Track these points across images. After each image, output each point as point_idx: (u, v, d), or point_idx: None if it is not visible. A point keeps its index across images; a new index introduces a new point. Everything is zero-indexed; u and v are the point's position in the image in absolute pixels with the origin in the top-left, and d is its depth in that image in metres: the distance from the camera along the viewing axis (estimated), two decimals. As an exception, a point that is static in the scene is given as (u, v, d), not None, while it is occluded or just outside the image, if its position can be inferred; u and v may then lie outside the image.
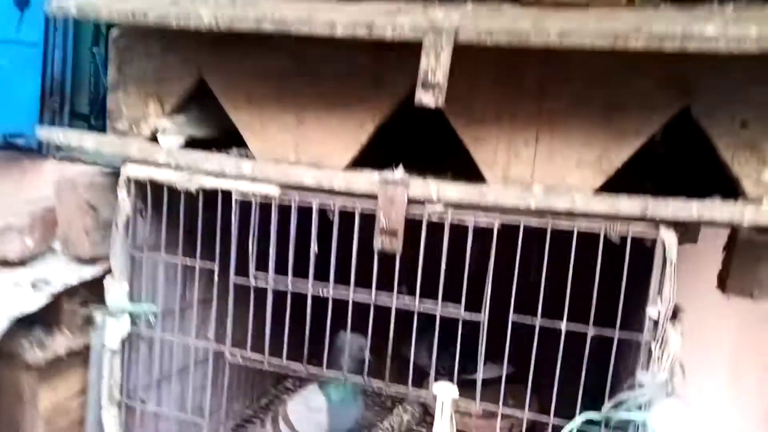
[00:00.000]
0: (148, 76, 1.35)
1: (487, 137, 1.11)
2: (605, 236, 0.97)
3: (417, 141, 1.39)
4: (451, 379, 1.95)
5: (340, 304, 1.16)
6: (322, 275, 1.16)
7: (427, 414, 1.94)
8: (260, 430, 1.60)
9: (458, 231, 1.06)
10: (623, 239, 0.97)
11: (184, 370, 1.44)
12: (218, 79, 1.27)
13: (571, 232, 0.99)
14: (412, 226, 1.08)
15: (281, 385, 2.12)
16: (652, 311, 0.96)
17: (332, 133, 1.19)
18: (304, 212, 1.17)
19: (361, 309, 1.17)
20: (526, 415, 1.07)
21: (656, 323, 0.95)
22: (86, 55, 2.20)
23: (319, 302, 1.17)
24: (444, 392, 1.08)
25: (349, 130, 1.18)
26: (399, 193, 1.05)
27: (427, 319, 1.96)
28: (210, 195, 1.21)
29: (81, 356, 1.30)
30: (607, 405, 0.97)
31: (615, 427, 0.98)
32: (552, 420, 1.04)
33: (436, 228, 1.06)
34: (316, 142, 1.21)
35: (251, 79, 1.23)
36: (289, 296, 1.16)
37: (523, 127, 1.09)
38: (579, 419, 0.99)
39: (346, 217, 1.12)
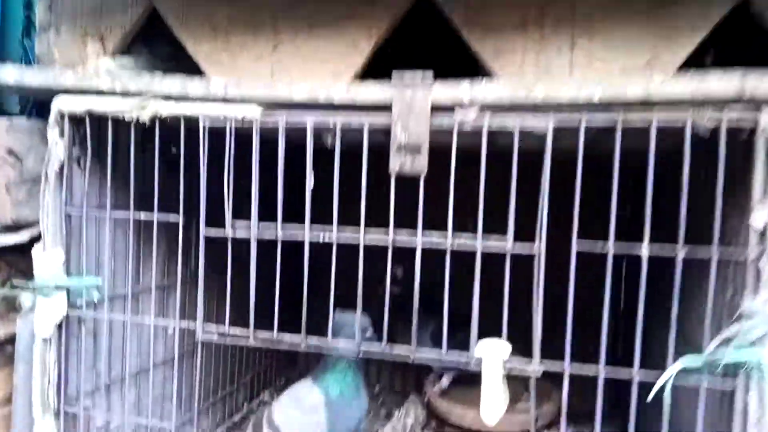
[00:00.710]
0: (86, 11, 1.09)
1: (510, 48, 0.90)
2: (689, 129, 0.76)
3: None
4: (457, 370, 1.71)
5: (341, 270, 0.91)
6: (320, 219, 0.91)
7: (432, 417, 1.67)
8: (239, 443, 1.30)
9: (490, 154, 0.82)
10: (713, 132, 0.76)
11: (141, 360, 1.15)
12: (173, 5, 1.03)
13: (642, 131, 0.78)
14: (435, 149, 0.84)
15: (257, 399, 1.81)
16: (756, 219, 0.74)
17: (320, 58, 0.96)
18: (293, 146, 0.93)
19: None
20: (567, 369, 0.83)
21: (763, 234, 0.74)
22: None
23: (318, 262, 0.92)
24: (491, 351, 0.84)
25: (341, 53, 0.95)
26: (420, 98, 0.82)
27: (427, 309, 1.73)
28: (169, 127, 0.94)
29: (3, 351, 0.98)
30: (712, 344, 0.74)
31: (721, 373, 0.75)
32: (635, 372, 0.80)
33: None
34: (299, 71, 0.97)
35: (215, 1, 0.99)
36: (279, 247, 0.90)
37: (555, 32, 0.89)
38: (675, 367, 0.76)
39: (349, 145, 0.88)
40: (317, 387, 1.21)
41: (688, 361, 0.76)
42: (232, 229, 0.91)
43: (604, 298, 0.81)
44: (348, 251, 0.91)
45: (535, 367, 0.83)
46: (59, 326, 0.99)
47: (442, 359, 0.87)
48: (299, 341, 0.91)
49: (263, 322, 0.95)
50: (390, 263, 0.88)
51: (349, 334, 1.19)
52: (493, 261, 0.90)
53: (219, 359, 1.55)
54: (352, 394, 1.20)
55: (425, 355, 0.87)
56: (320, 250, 0.92)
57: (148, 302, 1.06)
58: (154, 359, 1.26)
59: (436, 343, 1.62)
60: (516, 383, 1.78)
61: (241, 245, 0.91)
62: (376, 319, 1.23)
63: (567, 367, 0.83)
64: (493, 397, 0.81)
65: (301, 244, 0.88)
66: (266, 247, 0.92)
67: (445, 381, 1.64)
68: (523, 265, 0.87)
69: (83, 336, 1.01)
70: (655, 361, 0.81)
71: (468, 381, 1.73)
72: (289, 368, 1.98)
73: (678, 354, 0.78)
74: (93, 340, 1.05)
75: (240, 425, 1.65)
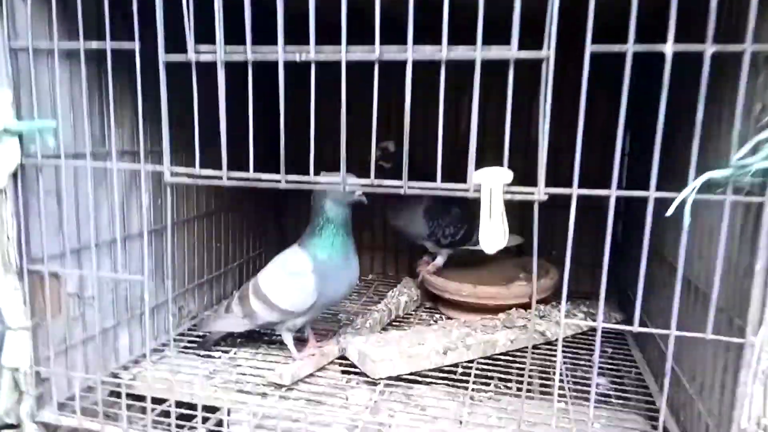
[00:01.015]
0: None
1: None
2: None
3: None
4: (451, 247, 1.65)
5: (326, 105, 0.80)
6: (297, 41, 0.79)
7: (426, 296, 1.62)
8: (224, 314, 1.24)
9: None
10: None
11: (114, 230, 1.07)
12: None
13: None
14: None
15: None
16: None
17: None
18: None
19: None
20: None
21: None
22: None
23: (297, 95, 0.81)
24: (492, 177, 0.75)
25: None
26: None
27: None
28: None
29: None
30: (742, 150, 0.66)
31: (747, 185, 0.67)
32: (652, 190, 0.72)
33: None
34: None
35: None
36: (249, 70, 0.78)
37: None
38: (699, 180, 0.67)
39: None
40: (304, 252, 1.14)
41: (714, 172, 0.67)
42: (195, 54, 0.79)
43: (619, 112, 0.71)
44: (330, 86, 0.80)
45: (540, 194, 0.75)
46: (14, 176, 0.89)
47: (437, 189, 0.77)
48: (278, 179, 0.81)
49: (243, 168, 0.85)
50: (377, 83, 0.77)
51: (338, 197, 1.11)
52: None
53: (203, 242, 1.48)
54: (341, 259, 1.13)
55: (418, 186, 0.77)
56: (298, 75, 0.81)
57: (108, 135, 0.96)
58: (128, 230, 1.19)
59: (430, 219, 1.56)
60: (512, 265, 1.74)
61: (210, 72, 0.80)
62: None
63: (576, 190, 0.74)
64: (494, 226, 0.73)
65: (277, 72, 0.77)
66: (238, 78, 0.81)
67: (440, 260, 1.58)
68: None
69: (41, 187, 0.92)
70: (673, 186, 0.73)
71: (463, 260, 1.67)
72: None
73: (699, 172, 0.69)
74: (56, 202, 0.96)
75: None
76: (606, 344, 1.37)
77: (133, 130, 1.16)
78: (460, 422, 0.99)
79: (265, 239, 1.86)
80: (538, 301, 1.47)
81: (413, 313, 1.55)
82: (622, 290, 1.59)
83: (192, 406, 1.04)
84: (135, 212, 1.22)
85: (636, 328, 0.77)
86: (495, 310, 1.42)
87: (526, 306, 1.44)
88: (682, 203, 0.70)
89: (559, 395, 1.11)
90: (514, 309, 1.42)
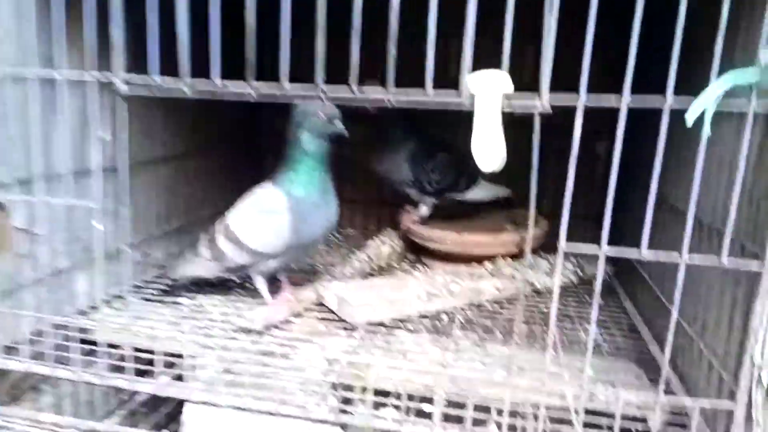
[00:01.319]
0: None
1: None
2: None
3: None
4: (436, 196, 1.57)
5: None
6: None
7: (409, 247, 1.54)
8: (192, 258, 1.15)
9: None
10: None
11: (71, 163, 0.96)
12: None
13: None
14: None
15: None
16: None
17: None
18: None
19: None
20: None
21: None
22: None
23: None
24: (488, 84, 0.66)
25: None
26: None
27: (405, 130, 1.54)
28: None
29: None
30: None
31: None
32: (669, 98, 0.64)
33: None
34: None
35: None
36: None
37: None
38: (721, 84, 0.59)
39: None
40: (278, 189, 1.05)
41: (737, 76, 0.60)
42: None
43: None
44: None
45: (543, 103, 0.67)
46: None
47: (427, 100, 0.68)
48: (246, 89, 0.72)
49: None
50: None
51: (315, 126, 1.01)
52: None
53: (170, 187, 1.38)
54: (318, 196, 1.04)
55: (404, 97, 0.69)
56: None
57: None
58: (85, 164, 1.08)
59: (415, 163, 1.47)
60: (500, 217, 1.67)
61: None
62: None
63: (583, 97, 0.66)
64: (491, 141, 0.65)
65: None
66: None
67: (424, 209, 1.50)
68: None
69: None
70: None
71: (448, 211, 1.60)
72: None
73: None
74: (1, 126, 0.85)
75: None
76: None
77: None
78: (443, 366, 0.93)
79: (240, 187, 1.75)
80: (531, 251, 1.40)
81: (396, 265, 1.48)
82: (619, 241, 1.53)
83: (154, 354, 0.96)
84: (92, 145, 1.12)
85: (644, 252, 0.69)
86: (481, 260, 1.35)
87: (514, 256, 1.38)
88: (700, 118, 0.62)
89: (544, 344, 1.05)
90: (501, 258, 1.35)
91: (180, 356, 0.98)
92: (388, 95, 0.70)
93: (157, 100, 1.31)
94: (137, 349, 0.93)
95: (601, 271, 0.79)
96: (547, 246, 1.57)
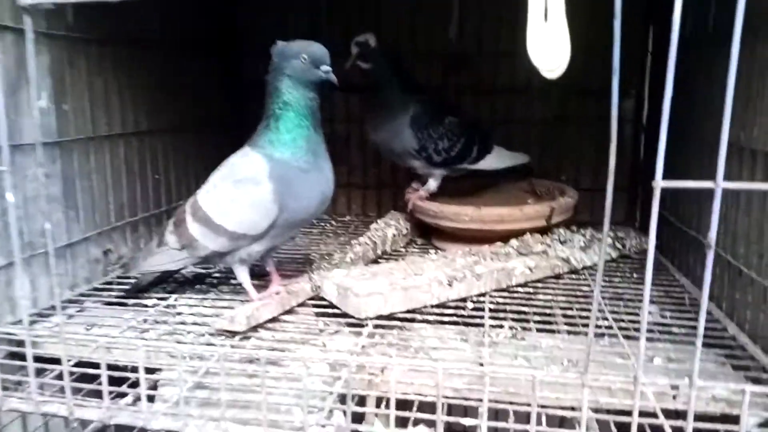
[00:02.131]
0: None
1: None
2: None
3: None
4: (445, 166, 1.37)
5: None
6: None
7: (417, 228, 1.34)
8: (156, 249, 0.94)
9: None
10: None
11: None
12: None
13: None
14: None
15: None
16: None
17: None
18: None
19: None
20: None
21: None
22: None
23: None
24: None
25: None
26: None
27: (406, 90, 1.31)
28: None
29: None
30: None
31: None
32: None
33: None
34: None
35: None
36: None
37: None
38: None
39: None
40: (257, 153, 0.84)
41: None
42: None
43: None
44: None
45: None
46: None
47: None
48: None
49: None
50: None
51: (297, 71, 0.81)
52: None
53: (134, 170, 1.17)
54: (306, 159, 0.83)
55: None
56: None
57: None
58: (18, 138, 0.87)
59: (419, 129, 1.26)
60: (517, 189, 1.47)
61: None
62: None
63: None
64: (552, 32, 0.44)
65: None
66: None
67: (432, 183, 1.29)
68: None
69: None
70: None
71: (459, 187, 1.39)
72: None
73: None
74: None
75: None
76: (643, 271, 1.11)
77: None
78: (481, 364, 0.72)
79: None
80: (556, 225, 1.20)
81: (403, 249, 1.27)
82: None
83: (115, 369, 0.74)
84: (28, 115, 0.91)
85: (719, 180, 0.48)
86: (504, 238, 1.14)
87: (542, 231, 1.17)
88: None
89: (598, 330, 0.85)
90: (528, 234, 1.14)
91: (143, 370, 0.77)
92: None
93: (113, 62, 1.13)
94: (83, 364, 0.72)
95: (655, 208, 0.57)
96: (578, 218, 1.38)
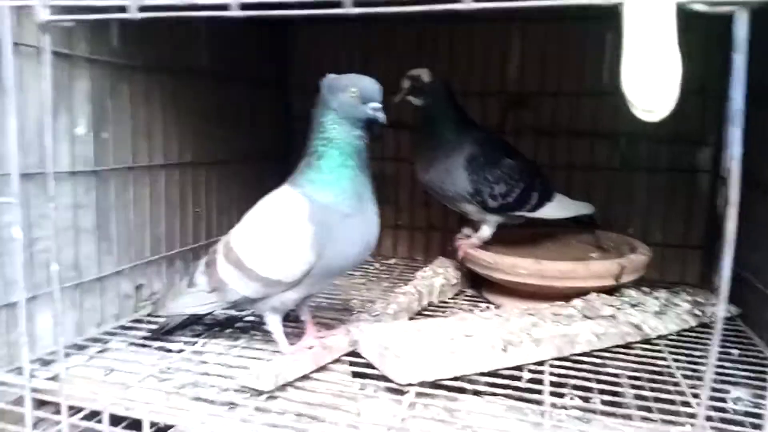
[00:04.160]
0: None
1: None
2: None
3: None
4: (501, 213, 1.18)
5: None
6: None
7: (468, 277, 1.23)
8: (186, 290, 0.87)
9: None
10: None
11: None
12: None
13: None
14: None
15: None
16: None
17: None
18: None
19: None
20: None
21: None
22: None
23: None
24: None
25: None
26: None
27: (461, 131, 1.16)
28: None
29: None
30: None
31: None
32: None
33: None
34: None
35: None
36: None
37: None
38: None
39: None
40: (297, 192, 0.77)
41: None
42: None
43: None
44: None
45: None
46: None
47: None
48: (226, 1, 0.44)
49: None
50: None
51: (344, 106, 0.74)
52: None
53: (175, 202, 1.12)
54: (351, 202, 0.75)
55: None
56: None
57: None
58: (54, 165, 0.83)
59: (474, 171, 1.16)
60: (578, 242, 1.35)
61: None
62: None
63: None
64: (655, 64, 0.35)
65: None
66: None
67: (486, 230, 1.19)
68: None
69: None
70: None
71: (514, 236, 1.28)
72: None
73: None
74: None
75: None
76: (727, 344, 0.97)
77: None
78: (542, 458, 0.61)
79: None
80: (625, 285, 1.07)
81: (451, 301, 1.17)
82: (734, 278, 1.18)
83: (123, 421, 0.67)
84: (65, 143, 0.87)
85: None
86: (566, 296, 1.02)
87: (609, 291, 1.05)
88: None
89: (688, 416, 0.72)
90: (593, 294, 1.02)
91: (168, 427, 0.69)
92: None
93: (159, 91, 1.10)
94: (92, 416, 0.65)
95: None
96: (646, 278, 1.25)
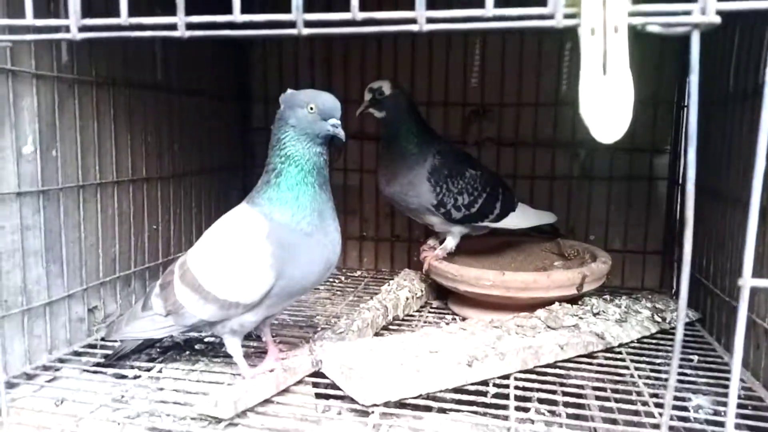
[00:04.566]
0: None
1: None
2: None
3: None
4: (465, 224, 1.17)
5: None
6: None
7: (435, 293, 1.23)
8: (141, 314, 0.84)
9: None
10: None
11: None
12: None
13: None
14: None
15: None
16: None
17: None
18: None
19: None
20: None
21: None
22: None
23: None
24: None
25: None
26: None
27: (424, 142, 1.13)
28: None
29: None
30: None
31: None
32: None
33: None
34: None
35: None
36: None
37: None
38: None
39: None
40: (255, 211, 0.75)
41: None
42: None
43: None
44: None
45: (708, 12, 0.36)
46: None
47: (488, 20, 0.38)
48: (172, 22, 0.42)
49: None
50: None
51: (303, 123, 0.72)
52: None
53: (129, 219, 1.08)
54: (311, 221, 0.74)
55: (442, 19, 0.39)
56: None
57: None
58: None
59: (437, 183, 1.16)
60: (542, 250, 1.36)
61: None
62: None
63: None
64: (608, 87, 0.35)
65: None
66: None
67: (451, 241, 1.19)
68: None
69: None
70: None
71: (478, 246, 1.29)
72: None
73: None
74: None
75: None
76: (687, 350, 0.98)
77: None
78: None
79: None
80: (586, 295, 1.09)
81: (417, 313, 1.16)
82: (692, 284, 1.21)
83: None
84: (10, 162, 0.83)
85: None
86: (528, 307, 1.03)
87: (570, 300, 1.05)
88: None
89: (652, 426, 0.72)
90: (556, 304, 1.03)
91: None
92: (418, 16, 0.40)
93: (111, 106, 1.05)
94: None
95: (743, 312, 0.47)
96: (608, 286, 1.26)
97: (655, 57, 1.27)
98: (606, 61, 0.35)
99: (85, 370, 0.87)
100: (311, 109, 0.72)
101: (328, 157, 0.75)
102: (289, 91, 0.75)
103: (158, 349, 0.95)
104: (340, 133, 0.74)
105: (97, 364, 0.89)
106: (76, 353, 0.94)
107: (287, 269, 0.73)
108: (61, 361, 0.91)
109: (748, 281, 0.37)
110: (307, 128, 0.72)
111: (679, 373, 0.90)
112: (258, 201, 0.74)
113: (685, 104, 1.31)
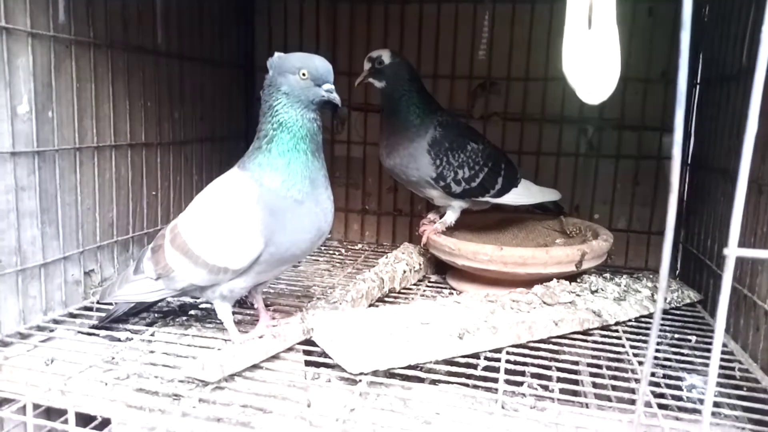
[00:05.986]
0: None
1: None
2: None
3: None
4: (465, 198, 1.15)
5: None
6: None
7: (431, 263, 1.22)
8: (133, 277, 0.83)
9: None
10: None
11: None
12: None
13: None
14: None
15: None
16: None
17: None
18: None
19: None
20: None
21: None
22: None
23: None
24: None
25: None
26: None
27: (427, 112, 1.11)
28: None
29: None
30: None
31: None
32: None
33: None
34: None
35: None
36: None
37: None
38: None
39: None
40: (246, 175, 0.74)
41: None
42: None
43: None
44: None
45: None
46: None
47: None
48: None
49: None
50: None
51: (295, 88, 0.71)
52: None
53: (127, 184, 1.07)
54: (302, 187, 0.73)
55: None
56: None
57: None
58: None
59: (438, 155, 1.14)
60: (544, 227, 1.34)
61: None
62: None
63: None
64: (599, 45, 0.33)
65: None
66: None
67: (450, 215, 1.17)
68: None
69: None
70: None
71: (479, 222, 1.27)
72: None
73: None
74: None
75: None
76: (686, 331, 0.97)
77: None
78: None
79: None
80: (586, 272, 1.07)
81: (414, 287, 1.15)
82: (695, 265, 1.19)
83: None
84: (5, 122, 0.83)
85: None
86: (526, 283, 1.01)
87: (570, 278, 1.04)
88: None
89: (644, 404, 0.71)
90: (554, 281, 1.01)
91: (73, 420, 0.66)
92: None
93: (110, 69, 1.04)
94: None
95: (728, 282, 0.45)
96: (609, 264, 1.25)
97: (667, 35, 1.24)
98: (591, 14, 0.33)
99: (79, 332, 0.88)
100: (303, 75, 0.71)
101: (321, 123, 0.74)
102: (277, 54, 0.73)
103: (155, 314, 0.95)
104: (335, 98, 0.72)
105: (92, 327, 0.89)
106: (72, 315, 0.95)
107: (276, 236, 0.72)
108: (56, 322, 0.91)
109: (733, 251, 0.35)
110: (300, 95, 0.71)
111: (676, 353, 0.89)
112: (248, 166, 0.73)
113: (697, 82, 1.28)
